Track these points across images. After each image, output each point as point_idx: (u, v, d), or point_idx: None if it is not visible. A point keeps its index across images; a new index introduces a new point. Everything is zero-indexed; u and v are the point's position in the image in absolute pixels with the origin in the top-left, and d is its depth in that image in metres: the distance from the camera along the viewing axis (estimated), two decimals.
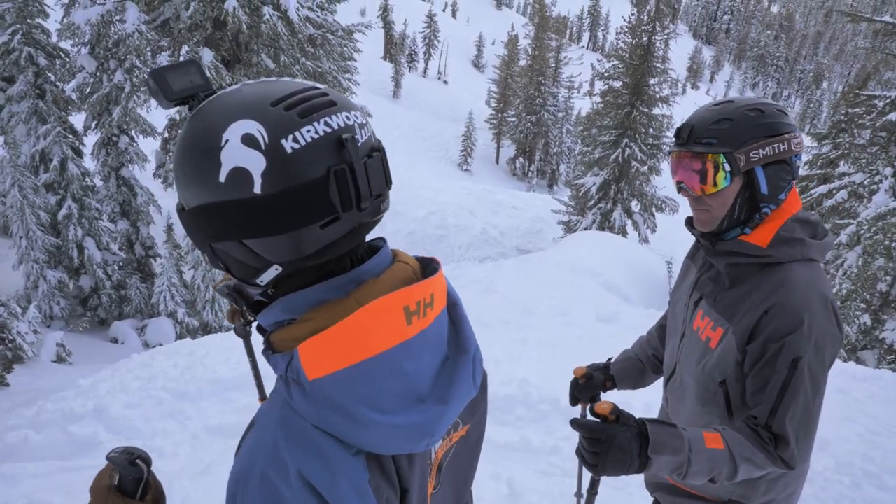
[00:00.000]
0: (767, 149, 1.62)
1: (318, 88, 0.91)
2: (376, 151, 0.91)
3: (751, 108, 1.66)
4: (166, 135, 15.95)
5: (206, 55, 13.22)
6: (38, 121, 14.33)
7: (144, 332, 14.36)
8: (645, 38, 20.81)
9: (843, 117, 18.03)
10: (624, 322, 7.27)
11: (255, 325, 1.03)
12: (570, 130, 49.78)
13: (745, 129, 1.63)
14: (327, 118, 0.85)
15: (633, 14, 22.13)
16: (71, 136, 14.53)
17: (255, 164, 0.82)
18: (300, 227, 0.84)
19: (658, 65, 21.04)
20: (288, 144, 0.82)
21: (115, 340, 14.27)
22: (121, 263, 15.17)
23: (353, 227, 0.89)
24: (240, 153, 0.82)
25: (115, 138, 14.99)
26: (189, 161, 0.86)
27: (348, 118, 0.88)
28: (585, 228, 21.18)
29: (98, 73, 13.87)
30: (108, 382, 5.01)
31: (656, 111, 21.48)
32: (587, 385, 2.30)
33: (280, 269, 0.89)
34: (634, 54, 21.05)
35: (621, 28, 22.58)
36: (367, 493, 0.87)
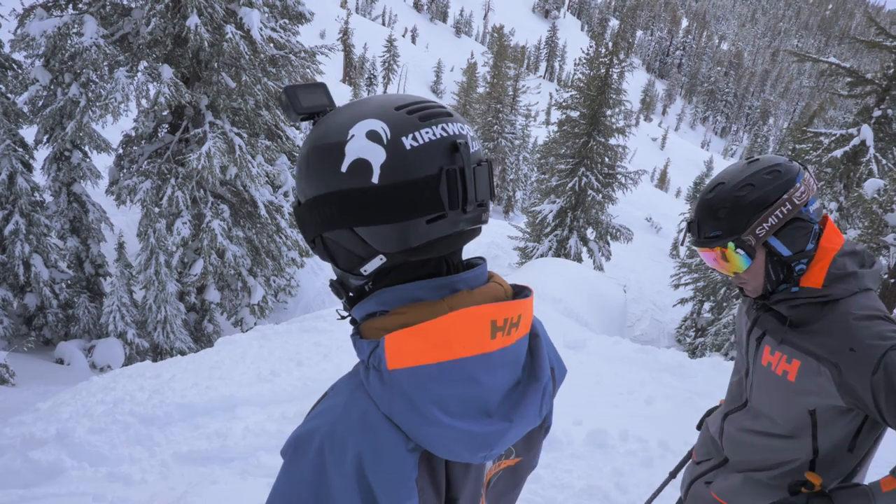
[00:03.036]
0: (770, 219, 1.67)
1: (438, 102, 0.99)
2: (484, 163, 0.98)
3: (742, 187, 1.70)
4: (120, 151, 15.58)
5: (166, 72, 12.99)
6: None
7: (92, 353, 13.88)
8: (602, 70, 21.27)
9: (789, 152, 18.67)
10: (590, 349, 7.32)
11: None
12: (526, 158, 50.40)
13: (742, 212, 1.68)
14: (444, 125, 0.94)
15: (591, 46, 22.65)
16: (21, 149, 14.06)
17: (376, 156, 0.91)
18: (409, 219, 0.92)
19: (614, 96, 21.48)
20: (407, 142, 0.91)
21: (60, 361, 13.76)
22: (69, 282, 14.68)
23: (456, 230, 0.95)
24: (363, 146, 0.91)
25: (67, 153, 14.57)
26: (315, 154, 0.96)
27: (462, 129, 0.96)
28: (542, 255, 21.40)
29: (52, 87, 13.48)
30: (70, 406, 4.80)
31: (612, 141, 21.91)
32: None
33: (384, 259, 0.96)
34: (592, 85, 21.47)
35: (579, 59, 23.07)
36: (412, 491, 0.90)
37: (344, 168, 0.92)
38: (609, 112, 21.65)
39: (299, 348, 6.30)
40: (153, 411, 4.61)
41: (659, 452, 4.74)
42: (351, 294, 1.08)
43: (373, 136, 0.92)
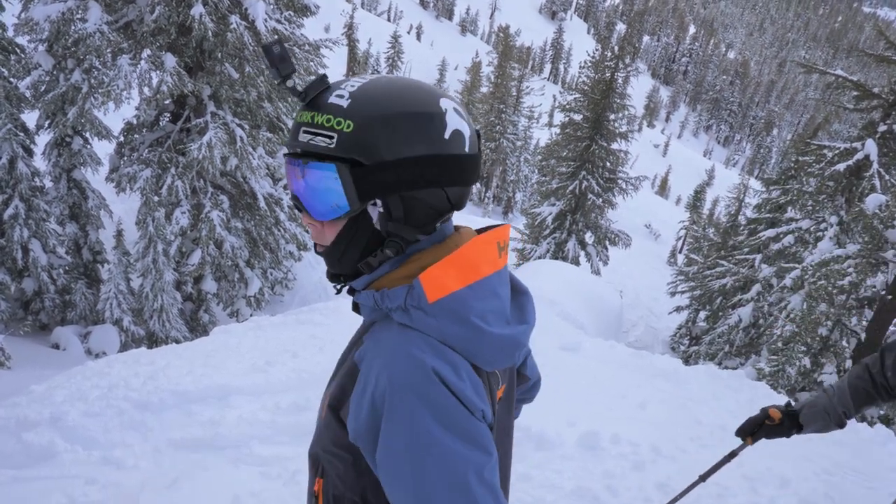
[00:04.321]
0: None
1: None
2: None
3: None
4: (121, 138, 15.58)
5: (169, 60, 12.99)
6: None
7: (88, 339, 13.89)
8: (607, 74, 21.26)
9: (793, 164, 18.69)
10: (586, 352, 7.34)
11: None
12: (528, 160, 50.36)
13: None
14: (462, 117, 1.15)
15: (596, 50, 22.69)
16: (22, 134, 14.05)
17: (465, 130, 1.12)
18: (469, 183, 1.14)
19: (618, 100, 21.48)
20: (464, 127, 1.12)
21: (56, 346, 13.76)
22: (67, 267, 14.67)
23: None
24: (458, 120, 1.11)
25: (68, 139, 14.56)
26: (416, 119, 1.07)
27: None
28: (539, 257, 21.43)
29: (55, 72, 13.47)
30: (64, 389, 4.81)
31: (615, 146, 21.90)
32: (774, 429, 2.41)
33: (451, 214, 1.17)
34: (596, 89, 21.48)
35: (585, 63, 23.07)
36: (482, 393, 1.06)
37: (447, 135, 1.08)
38: (612, 116, 21.65)
39: (295, 340, 6.31)
40: (147, 397, 4.63)
41: (650, 457, 4.74)
42: (363, 251, 1.15)
43: (458, 113, 1.12)
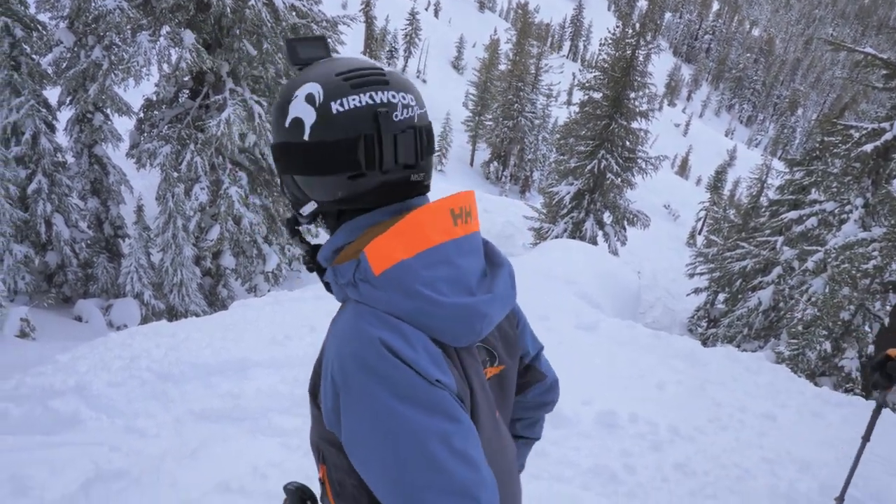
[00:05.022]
0: None
1: (381, 70, 1.12)
2: (411, 129, 1.10)
3: None
4: (141, 115, 15.68)
5: (188, 37, 13.01)
6: (11, 93, 13.95)
7: (109, 311, 14.10)
8: (628, 52, 20.96)
9: (817, 145, 18.37)
10: (602, 332, 7.32)
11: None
12: (546, 138, 50.00)
13: None
14: (373, 93, 1.07)
15: (617, 26, 22.34)
16: (44, 110, 14.18)
17: (308, 116, 1.07)
18: (331, 174, 1.08)
19: (639, 79, 21.20)
20: (335, 107, 1.06)
21: (79, 318, 14.00)
22: (88, 242, 14.87)
23: (385, 182, 1.10)
24: (300, 107, 1.08)
25: (89, 115, 14.67)
26: (274, 110, 1.15)
27: (394, 97, 1.08)
28: (556, 237, 21.33)
29: (76, 49, 13.55)
30: (87, 360, 4.90)
31: (634, 125, 21.59)
32: None
33: (315, 205, 1.15)
34: (617, 66, 21.19)
35: (605, 40, 22.78)
36: (442, 364, 1.02)
37: (287, 124, 1.10)
38: (633, 95, 21.30)
39: (312, 314, 6.35)
40: (169, 369, 4.71)
41: (668, 437, 4.74)
42: (298, 231, 1.27)
43: (309, 98, 1.08)
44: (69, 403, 4.19)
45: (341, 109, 1.05)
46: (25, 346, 11.21)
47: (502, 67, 52.73)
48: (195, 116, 14.71)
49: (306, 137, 1.07)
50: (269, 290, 15.76)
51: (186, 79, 14.94)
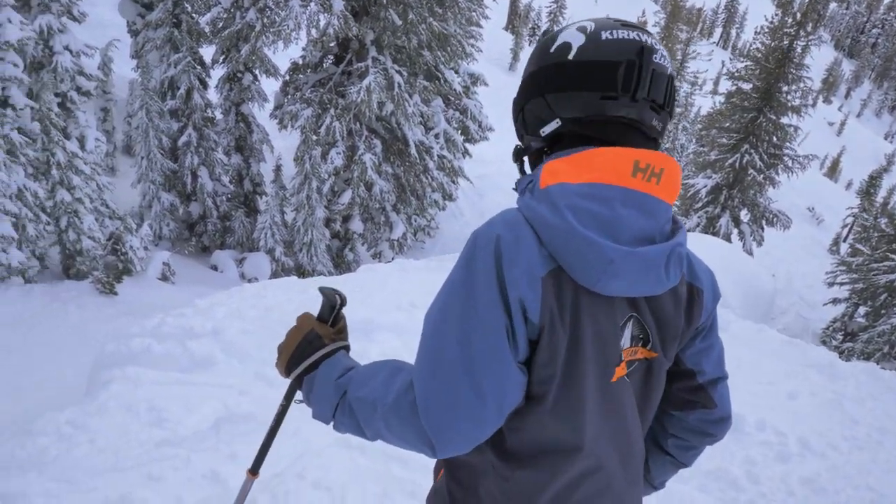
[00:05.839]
0: None
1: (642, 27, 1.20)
2: (667, 75, 1.17)
3: None
4: (287, 77, 16.28)
5: (337, 3, 13.30)
6: (171, 49, 14.85)
7: (242, 264, 14.84)
8: (785, 42, 19.75)
9: None
10: (733, 333, 6.95)
11: None
12: (686, 128, 48.13)
13: None
14: (639, 34, 1.15)
15: (776, 14, 21.05)
16: (199, 67, 15.01)
17: (577, 41, 1.16)
18: (587, 90, 1.14)
19: (794, 71, 19.96)
20: (604, 34, 1.15)
21: (214, 268, 14.83)
22: (229, 196, 15.68)
23: (625, 117, 1.14)
24: (571, 34, 1.18)
25: (239, 74, 15.38)
26: (538, 45, 1.25)
27: (656, 45, 1.16)
28: (688, 230, 20.53)
29: (232, 9, 14.18)
30: (224, 307, 5.14)
31: (784, 120, 20.42)
32: None
33: (559, 123, 1.19)
34: (771, 57, 20.03)
35: (761, 28, 21.51)
36: (536, 285, 1.05)
37: (552, 48, 1.19)
38: (785, 88, 20.21)
39: (437, 285, 6.37)
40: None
41: (797, 450, 4.47)
42: (531, 163, 1.32)
43: (581, 28, 1.18)
44: (205, 346, 4.39)
45: (610, 37, 1.14)
46: (165, 288, 11.99)
47: None
48: (337, 82, 15.10)
49: (571, 57, 1.15)
50: (392, 258, 16.08)
51: (332, 45, 15.36)
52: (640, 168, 1.10)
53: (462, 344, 1.05)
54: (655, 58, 1.14)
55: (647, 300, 1.19)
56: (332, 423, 1.29)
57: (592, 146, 1.13)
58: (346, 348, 1.43)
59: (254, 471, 1.88)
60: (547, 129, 1.21)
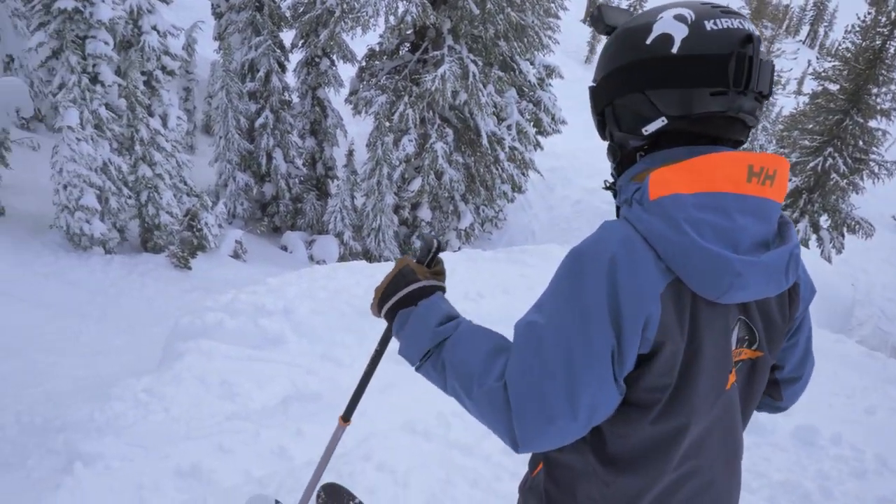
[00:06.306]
0: None
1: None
2: (770, 66, 1.12)
3: None
4: (363, 63, 16.42)
5: None
6: (252, 32, 15.18)
7: (312, 246, 15.10)
8: (878, 42, 18.89)
9: None
10: None
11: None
12: (766, 128, 46.53)
13: None
14: (742, 21, 1.09)
15: (869, 13, 20.12)
16: (279, 51, 15.30)
17: (679, 32, 1.09)
18: (695, 87, 1.08)
19: (885, 73, 19.08)
20: (709, 24, 1.08)
21: (284, 248, 15.14)
22: (302, 178, 15.96)
23: (732, 109, 1.09)
24: (670, 24, 1.10)
25: (317, 59, 15.61)
26: (624, 33, 1.18)
27: (755, 32, 1.09)
28: None
29: None
30: (295, 286, 5.23)
31: (873, 123, 19.57)
32: None
33: (665, 121, 1.12)
34: (861, 57, 19.19)
35: (851, 27, 20.61)
36: (655, 300, 1.01)
37: (649, 41, 1.11)
38: (875, 90, 19.41)
39: (506, 276, 6.34)
40: (366, 305, 4.88)
41: (875, 467, 4.27)
42: (621, 160, 1.24)
43: (679, 17, 1.09)
44: (276, 324, 4.48)
45: (715, 28, 1.07)
46: (237, 265, 12.29)
47: None
48: (412, 70, 15.15)
49: (674, 51, 1.08)
50: (459, 248, 16.09)
51: (409, 32, 15.41)
52: (754, 173, 1.07)
53: (566, 364, 1.03)
54: (761, 48, 1.09)
55: (756, 302, 1.16)
56: (416, 365, 1.29)
57: (697, 144, 1.11)
58: (443, 289, 1.41)
59: (346, 418, 1.92)
60: (651, 128, 1.14)
